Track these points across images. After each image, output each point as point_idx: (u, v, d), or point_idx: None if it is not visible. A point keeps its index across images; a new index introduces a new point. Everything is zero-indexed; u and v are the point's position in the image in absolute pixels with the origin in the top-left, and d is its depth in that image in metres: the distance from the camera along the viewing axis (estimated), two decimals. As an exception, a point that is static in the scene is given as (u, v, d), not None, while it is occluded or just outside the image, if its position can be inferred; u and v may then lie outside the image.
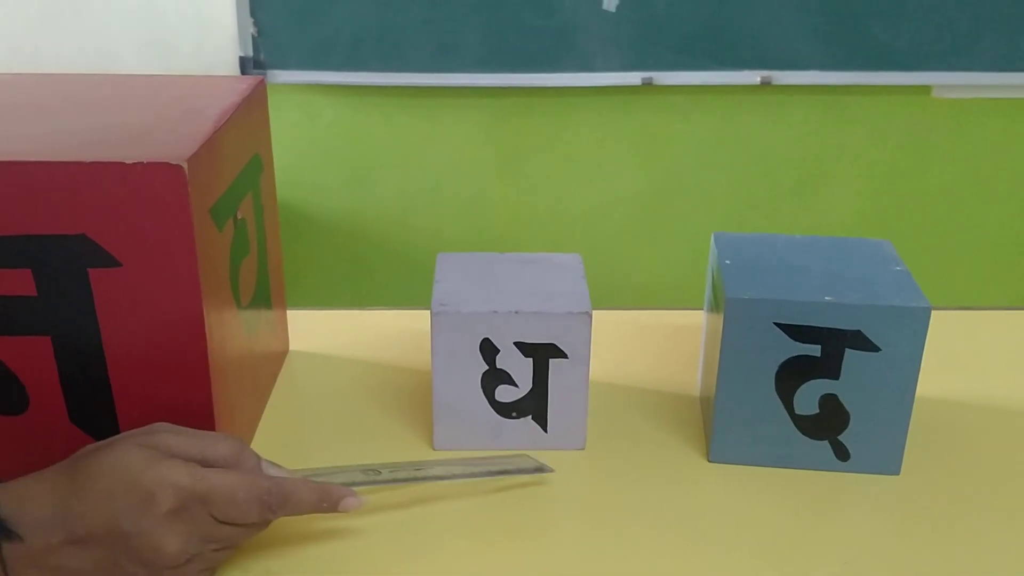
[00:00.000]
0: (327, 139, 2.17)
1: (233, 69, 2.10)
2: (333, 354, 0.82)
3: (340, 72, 2.12)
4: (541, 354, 0.65)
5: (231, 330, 0.63)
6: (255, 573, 0.57)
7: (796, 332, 0.62)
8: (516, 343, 0.65)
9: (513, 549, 0.59)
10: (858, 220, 2.26)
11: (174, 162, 0.54)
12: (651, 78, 2.12)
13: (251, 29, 2.08)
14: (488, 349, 0.65)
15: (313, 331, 0.85)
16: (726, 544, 0.60)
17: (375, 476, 0.61)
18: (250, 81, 0.71)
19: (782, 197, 2.24)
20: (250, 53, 2.09)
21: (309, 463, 0.66)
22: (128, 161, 0.53)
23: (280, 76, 2.10)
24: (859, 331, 0.61)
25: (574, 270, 0.70)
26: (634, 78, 2.12)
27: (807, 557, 0.59)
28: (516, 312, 0.64)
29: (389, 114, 2.18)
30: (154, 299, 0.56)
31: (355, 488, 0.59)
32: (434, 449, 0.68)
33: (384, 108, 2.17)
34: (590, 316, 0.64)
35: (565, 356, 0.65)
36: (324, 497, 0.57)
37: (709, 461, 0.67)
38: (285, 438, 0.70)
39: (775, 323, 0.62)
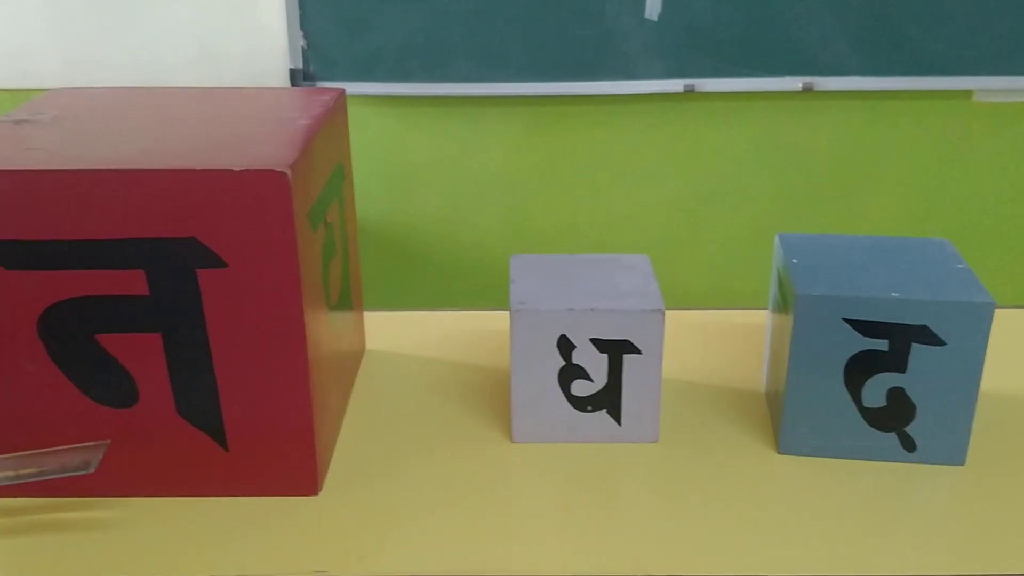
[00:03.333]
0: (373, 148, 2.22)
1: (283, 80, 2.15)
2: (406, 353, 0.85)
3: (386, 83, 2.17)
4: (615, 350, 0.68)
5: (323, 328, 0.67)
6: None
7: (864, 328, 0.64)
8: (592, 339, 0.68)
9: (590, 538, 0.62)
10: (899, 225, 2.27)
11: (279, 169, 0.57)
12: (693, 85, 2.15)
13: (301, 42, 2.12)
14: (565, 345, 0.68)
15: (384, 332, 0.88)
16: (797, 533, 0.62)
17: None
18: (332, 93, 0.75)
19: (823, 202, 2.26)
20: (300, 65, 2.14)
21: (394, 457, 0.70)
22: (236, 168, 0.57)
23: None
24: (925, 326, 0.64)
25: (643, 270, 0.73)
26: (676, 85, 2.15)
27: (876, 545, 0.61)
28: (592, 310, 0.67)
29: (433, 124, 2.22)
30: (257, 298, 0.60)
31: None
32: (512, 442, 0.71)
33: (428, 118, 2.21)
34: (663, 313, 0.67)
35: (639, 352, 0.68)
36: None
37: (779, 453, 0.69)
38: (369, 433, 0.73)
39: (844, 319, 0.64)
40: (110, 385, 0.62)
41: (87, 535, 0.62)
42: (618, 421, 0.70)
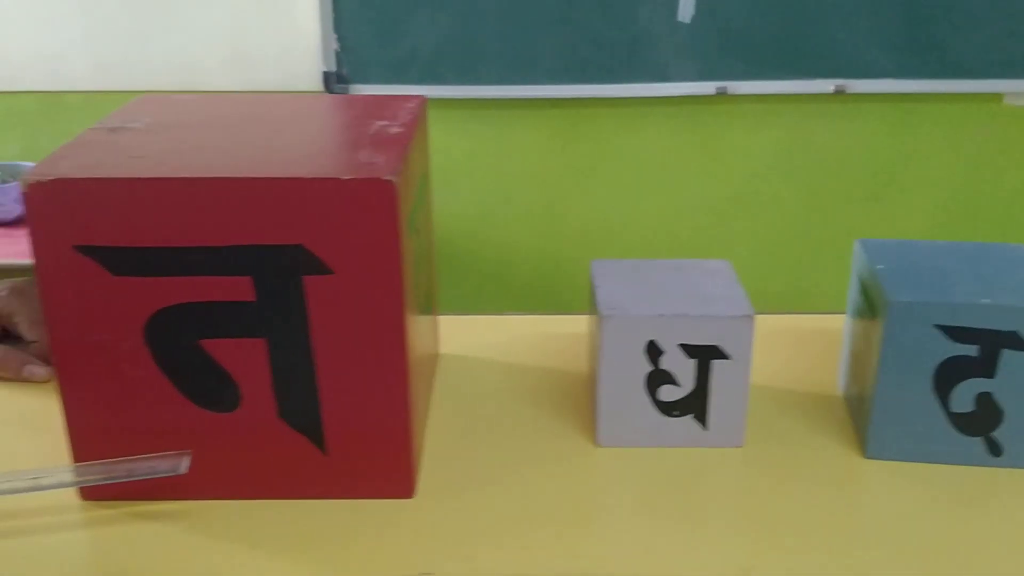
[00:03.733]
0: (405, 151, 2.22)
1: (316, 84, 2.16)
2: (477, 357, 0.86)
3: (418, 86, 2.18)
4: (704, 355, 0.69)
5: (417, 332, 0.67)
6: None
7: (955, 333, 0.65)
8: (680, 345, 0.68)
9: (676, 540, 0.63)
10: (931, 227, 2.28)
11: (386, 178, 0.58)
12: (725, 87, 2.16)
13: (334, 44, 2.14)
14: (653, 351, 0.69)
15: (451, 336, 0.89)
16: (886, 537, 0.63)
17: None
18: (416, 100, 0.76)
19: (854, 204, 2.26)
20: (333, 68, 2.15)
21: (480, 461, 0.70)
22: (344, 177, 0.58)
23: (361, 90, 2.16)
24: (1015, 332, 0.64)
25: (727, 275, 0.74)
26: (708, 87, 2.16)
27: (963, 550, 0.62)
28: (682, 315, 0.68)
29: (465, 126, 2.23)
30: (362, 304, 0.61)
31: None
32: (597, 445, 0.72)
33: (460, 120, 2.23)
34: (753, 319, 0.68)
35: (727, 357, 0.69)
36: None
37: (865, 457, 0.70)
38: (453, 436, 0.74)
39: (935, 325, 0.65)
40: (213, 390, 0.63)
41: (188, 537, 0.63)
42: (704, 425, 0.71)
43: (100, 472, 0.63)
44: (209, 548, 0.62)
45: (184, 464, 0.62)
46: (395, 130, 0.67)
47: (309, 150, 0.63)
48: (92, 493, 0.65)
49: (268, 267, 0.60)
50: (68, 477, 0.63)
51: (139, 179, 0.58)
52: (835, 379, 0.81)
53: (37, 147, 2.28)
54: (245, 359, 0.62)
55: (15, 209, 2.13)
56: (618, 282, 0.73)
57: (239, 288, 0.60)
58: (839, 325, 0.90)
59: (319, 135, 0.66)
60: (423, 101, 0.76)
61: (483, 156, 2.26)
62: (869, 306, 0.70)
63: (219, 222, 0.59)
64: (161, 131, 0.67)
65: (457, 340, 0.88)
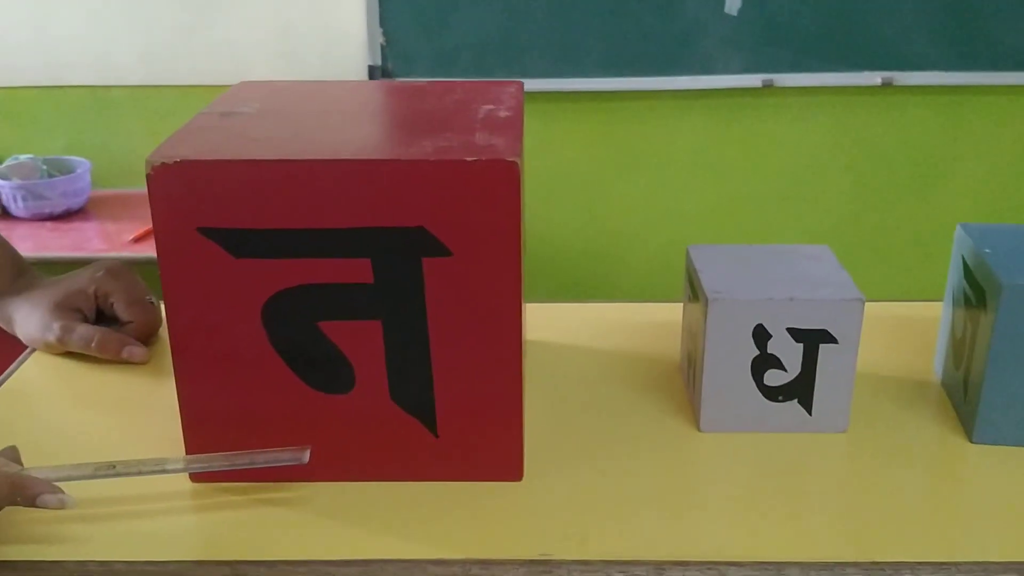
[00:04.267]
0: (449, 144, 2.23)
1: (361, 77, 2.16)
2: (562, 343, 0.86)
3: (464, 80, 2.17)
4: (812, 339, 0.68)
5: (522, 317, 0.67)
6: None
7: (1071, 317, 0.64)
8: (788, 329, 0.68)
9: (785, 525, 0.63)
10: (977, 220, 2.26)
11: (509, 158, 0.58)
12: (771, 80, 2.15)
13: (380, 38, 2.14)
14: (760, 335, 0.68)
15: (535, 322, 0.89)
16: (994, 521, 0.63)
17: (108, 471, 0.63)
18: (514, 86, 0.76)
19: (900, 198, 2.25)
20: (378, 62, 2.16)
21: (582, 444, 0.70)
22: (468, 159, 0.58)
23: (406, 83, 2.16)
24: None
25: (829, 259, 0.74)
26: (754, 80, 2.15)
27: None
28: (791, 299, 0.68)
29: (509, 119, 2.23)
30: (479, 286, 0.61)
31: (88, 480, 0.61)
32: (700, 431, 0.72)
33: (504, 113, 2.22)
34: (863, 303, 0.67)
35: (835, 341, 0.68)
36: (17, 491, 0.58)
37: (972, 442, 0.70)
38: (551, 420, 0.74)
39: (1050, 308, 0.64)
40: (328, 372, 0.63)
41: (299, 520, 0.63)
42: (808, 411, 0.71)
43: (224, 462, 0.63)
44: (320, 530, 0.62)
45: (306, 456, 0.63)
46: (504, 114, 0.67)
47: (424, 133, 0.63)
48: (202, 474, 0.66)
49: (388, 249, 0.60)
50: (192, 465, 0.64)
51: (263, 161, 0.58)
52: (930, 364, 0.80)
53: (83, 142, 2.29)
54: (360, 341, 0.62)
55: (62, 203, 2.15)
56: (720, 267, 0.73)
57: (358, 270, 0.60)
58: (916, 312, 0.90)
59: (429, 119, 0.66)
60: (520, 87, 0.76)
61: (529, 149, 2.25)
62: (976, 291, 0.69)
63: (341, 204, 0.59)
64: (272, 116, 0.67)
65: (538, 327, 0.88)
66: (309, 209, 0.59)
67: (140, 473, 0.63)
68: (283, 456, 0.63)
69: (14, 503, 0.59)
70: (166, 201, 0.59)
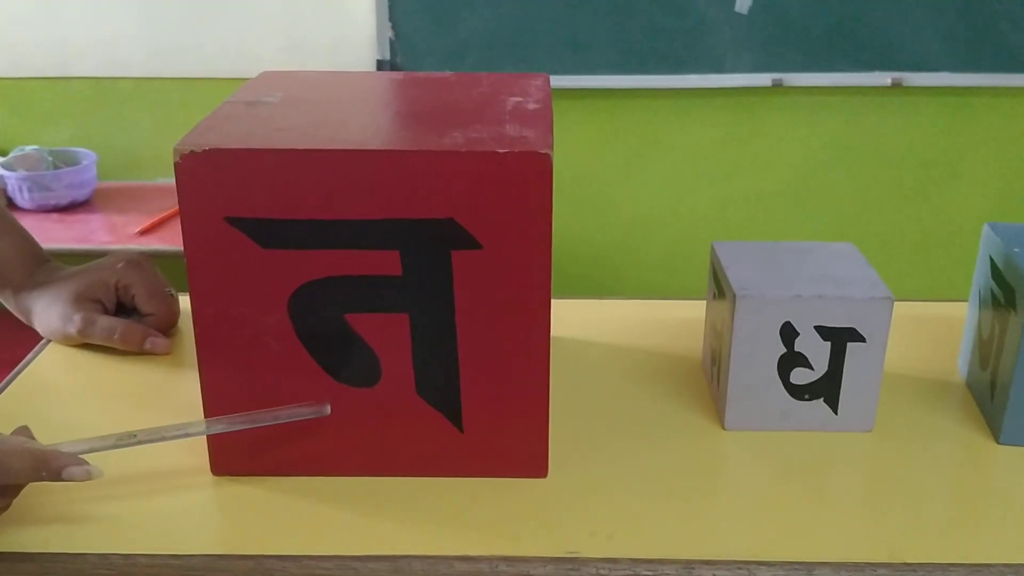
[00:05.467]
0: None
1: (369, 70, 2.15)
2: (582, 339, 0.85)
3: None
4: (840, 338, 0.68)
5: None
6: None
7: (1103, 317, 0.64)
8: (816, 327, 0.68)
9: (813, 524, 0.62)
10: (985, 221, 2.25)
11: (542, 151, 0.57)
12: (781, 79, 2.14)
13: (389, 32, 2.13)
14: (788, 332, 0.68)
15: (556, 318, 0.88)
16: (1020, 523, 0.62)
17: (130, 440, 0.62)
18: (541, 78, 0.75)
19: (908, 198, 2.25)
20: (387, 56, 2.15)
21: (607, 442, 0.70)
22: (500, 150, 0.57)
23: (415, 78, 2.15)
24: None
25: (855, 257, 0.73)
26: (764, 79, 2.14)
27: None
28: (819, 297, 0.67)
29: (517, 115, 2.22)
30: (508, 279, 0.60)
31: (109, 451, 0.61)
32: (724, 429, 0.71)
33: (512, 110, 2.21)
34: (892, 301, 0.67)
35: (863, 340, 0.68)
36: (41, 465, 0.57)
37: (999, 443, 0.69)
38: (574, 417, 0.73)
39: (1083, 309, 0.64)
40: (354, 364, 0.62)
41: (323, 513, 0.62)
42: (834, 410, 0.70)
43: (246, 420, 0.62)
44: (345, 525, 0.61)
45: (326, 409, 0.62)
46: (532, 106, 0.67)
47: (453, 124, 0.62)
48: (224, 467, 0.65)
49: (417, 241, 0.59)
50: (214, 426, 0.63)
51: (292, 150, 0.58)
52: (953, 365, 0.80)
53: (89, 133, 2.28)
54: (387, 334, 0.62)
55: (67, 195, 2.14)
56: (746, 263, 0.72)
57: (386, 262, 0.60)
58: (938, 311, 0.89)
59: (457, 110, 0.65)
60: (548, 80, 0.75)
61: (534, 146, 2.25)
62: (1005, 290, 0.69)
63: (370, 195, 0.58)
64: (298, 105, 0.66)
65: (558, 323, 0.88)
66: (338, 200, 0.58)
67: (163, 439, 0.62)
68: (304, 411, 0.62)
69: (39, 479, 0.58)
70: (193, 190, 0.58)
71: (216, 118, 0.63)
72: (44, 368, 0.79)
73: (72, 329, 0.78)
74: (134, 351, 0.78)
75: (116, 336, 0.77)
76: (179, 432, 0.62)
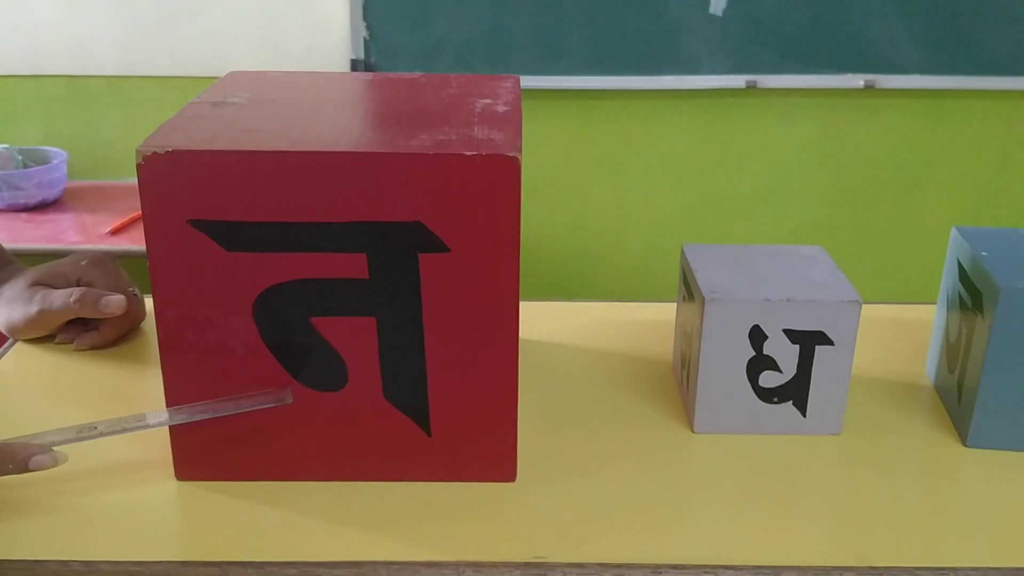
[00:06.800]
0: (431, 140, 2.21)
1: (343, 71, 2.14)
2: (552, 342, 0.85)
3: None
4: (808, 341, 0.68)
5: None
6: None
7: (1068, 321, 0.64)
8: (785, 330, 0.68)
9: (780, 528, 0.62)
10: (957, 223, 2.27)
11: (510, 154, 0.57)
12: (755, 81, 2.15)
13: (363, 32, 2.12)
14: (757, 336, 0.68)
15: (526, 321, 0.88)
16: (986, 525, 0.62)
17: (91, 432, 0.61)
18: (510, 80, 0.75)
19: (881, 200, 2.26)
20: (361, 56, 2.14)
21: (577, 445, 0.70)
22: (468, 153, 0.57)
23: (389, 78, 2.14)
24: None
25: (824, 261, 0.73)
26: (738, 81, 2.15)
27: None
28: (788, 300, 0.67)
29: (492, 116, 2.21)
30: (476, 283, 0.60)
31: (71, 445, 0.60)
32: (693, 432, 0.71)
33: (487, 110, 2.21)
34: (860, 305, 0.67)
35: (831, 343, 0.68)
36: (8, 457, 0.57)
37: (966, 446, 0.69)
38: (544, 420, 0.73)
39: (1048, 312, 0.64)
40: (320, 368, 0.62)
41: (287, 519, 0.62)
42: (803, 413, 0.70)
43: (207, 410, 0.61)
44: (310, 531, 0.61)
45: (288, 395, 0.61)
46: (502, 108, 0.66)
47: (422, 126, 0.62)
48: (188, 473, 0.64)
49: (384, 244, 0.59)
50: (176, 416, 0.62)
51: (257, 152, 0.57)
52: (921, 368, 0.80)
53: (60, 132, 2.26)
54: (354, 338, 0.61)
55: (37, 194, 2.11)
56: (716, 266, 0.72)
57: (353, 265, 0.59)
58: (907, 314, 0.89)
59: (425, 112, 0.65)
60: (518, 82, 0.75)
61: (509, 147, 2.24)
62: (972, 294, 0.69)
63: (336, 198, 0.58)
64: (265, 106, 0.66)
65: (527, 326, 0.87)
66: (303, 202, 0.58)
67: (124, 430, 0.61)
68: (266, 399, 0.61)
69: (6, 472, 0.57)
70: (156, 192, 0.57)
71: (180, 119, 0.62)
72: (8, 369, 0.78)
73: (33, 309, 0.77)
74: (92, 316, 0.77)
75: (73, 300, 0.76)
76: (140, 423, 0.62)
